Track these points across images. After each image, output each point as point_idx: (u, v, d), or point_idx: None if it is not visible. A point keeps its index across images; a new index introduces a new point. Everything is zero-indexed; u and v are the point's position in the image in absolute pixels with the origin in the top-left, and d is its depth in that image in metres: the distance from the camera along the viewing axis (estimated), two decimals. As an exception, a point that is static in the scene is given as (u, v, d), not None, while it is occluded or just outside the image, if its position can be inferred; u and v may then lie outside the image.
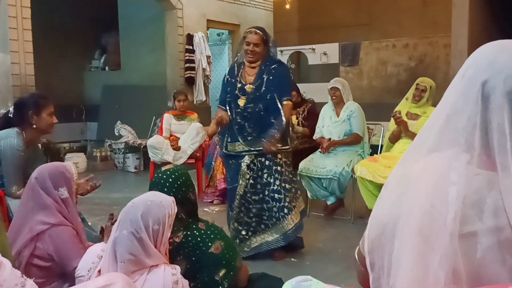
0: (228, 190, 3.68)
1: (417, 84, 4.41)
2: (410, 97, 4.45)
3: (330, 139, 4.58)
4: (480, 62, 0.89)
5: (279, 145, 3.42)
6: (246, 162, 3.44)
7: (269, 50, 3.53)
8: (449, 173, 0.86)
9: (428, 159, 0.92)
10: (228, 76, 3.57)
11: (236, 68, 3.55)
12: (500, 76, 0.85)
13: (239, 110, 3.44)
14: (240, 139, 3.46)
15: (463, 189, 0.84)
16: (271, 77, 3.44)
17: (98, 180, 2.78)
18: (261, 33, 3.46)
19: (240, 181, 3.45)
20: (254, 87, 3.44)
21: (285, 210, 3.43)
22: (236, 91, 3.46)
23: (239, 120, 3.45)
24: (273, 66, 3.48)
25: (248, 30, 3.51)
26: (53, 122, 2.98)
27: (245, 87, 3.46)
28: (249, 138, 3.44)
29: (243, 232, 3.49)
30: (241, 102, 3.43)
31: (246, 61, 3.52)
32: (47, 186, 2.14)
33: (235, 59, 3.71)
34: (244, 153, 3.45)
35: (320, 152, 4.58)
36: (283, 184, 3.44)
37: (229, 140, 3.51)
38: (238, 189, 3.46)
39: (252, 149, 3.43)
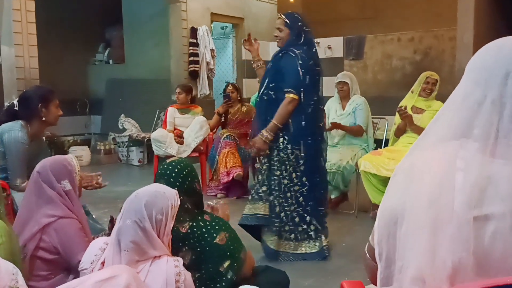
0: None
1: (427, 77, 4.37)
2: (416, 91, 4.42)
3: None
4: (497, 55, 0.91)
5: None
6: None
7: (293, 35, 3.23)
8: (455, 161, 0.88)
9: (435, 149, 0.93)
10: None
11: None
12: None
13: None
14: None
15: (471, 175, 0.85)
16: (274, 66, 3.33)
17: (104, 176, 2.79)
18: (283, 16, 3.27)
19: None
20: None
21: None
22: None
23: None
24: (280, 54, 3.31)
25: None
26: (59, 114, 3.02)
27: None
28: None
29: None
30: None
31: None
32: (50, 179, 2.15)
33: None
34: None
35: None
36: None
37: None
38: None
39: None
